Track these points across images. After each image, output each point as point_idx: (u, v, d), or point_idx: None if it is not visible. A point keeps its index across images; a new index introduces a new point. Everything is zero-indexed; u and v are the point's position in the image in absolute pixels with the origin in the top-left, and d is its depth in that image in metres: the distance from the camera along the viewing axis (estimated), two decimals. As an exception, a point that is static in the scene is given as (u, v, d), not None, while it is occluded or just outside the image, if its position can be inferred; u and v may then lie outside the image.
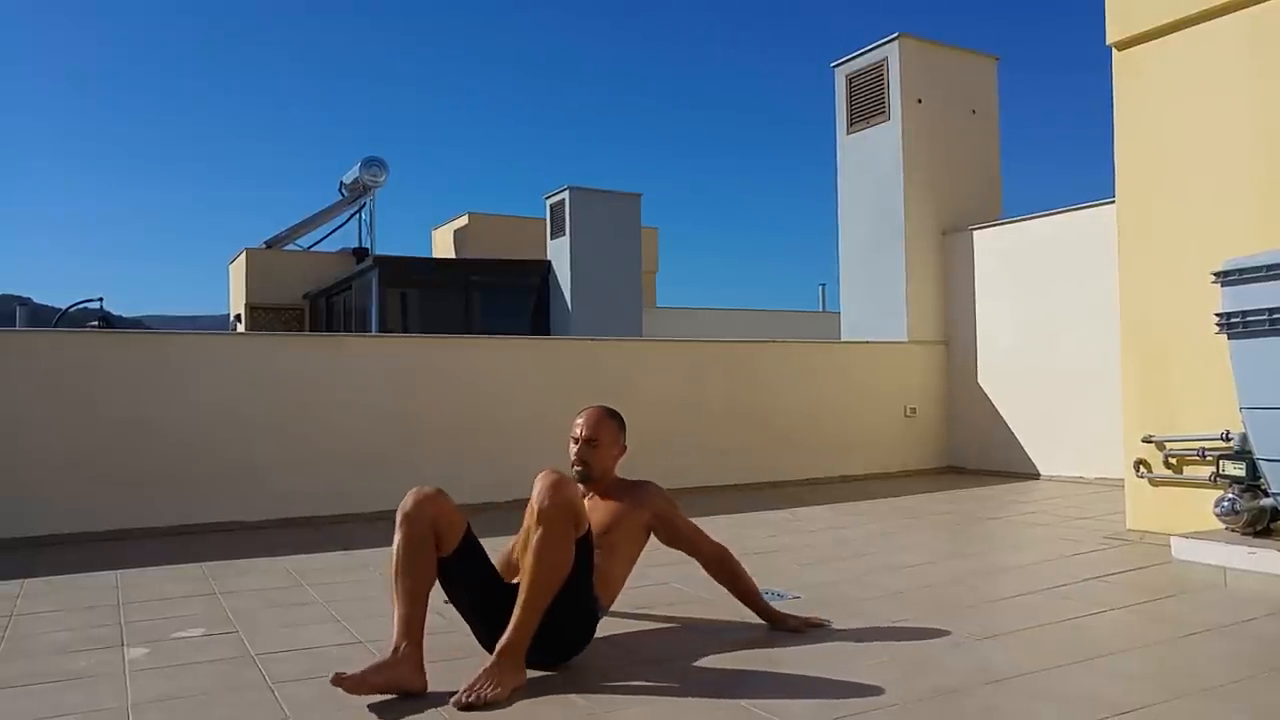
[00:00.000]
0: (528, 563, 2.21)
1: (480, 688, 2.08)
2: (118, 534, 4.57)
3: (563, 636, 2.33)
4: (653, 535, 2.67)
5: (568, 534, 2.22)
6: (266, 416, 5.05)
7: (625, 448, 2.70)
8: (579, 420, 2.64)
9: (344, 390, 5.24)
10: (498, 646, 2.17)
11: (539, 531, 2.20)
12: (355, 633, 2.70)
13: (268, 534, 4.66)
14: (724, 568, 2.70)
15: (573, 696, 2.13)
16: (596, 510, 2.55)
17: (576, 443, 2.61)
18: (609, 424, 2.65)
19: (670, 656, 2.43)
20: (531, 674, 2.26)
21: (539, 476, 2.28)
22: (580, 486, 2.53)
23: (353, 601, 3.14)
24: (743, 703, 2.05)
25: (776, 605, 2.77)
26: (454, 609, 2.44)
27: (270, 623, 2.86)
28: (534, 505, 2.24)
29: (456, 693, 2.08)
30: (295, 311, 15.78)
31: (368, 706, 2.07)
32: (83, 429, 4.63)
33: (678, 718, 2.00)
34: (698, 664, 2.38)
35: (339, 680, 2.04)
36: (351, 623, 2.82)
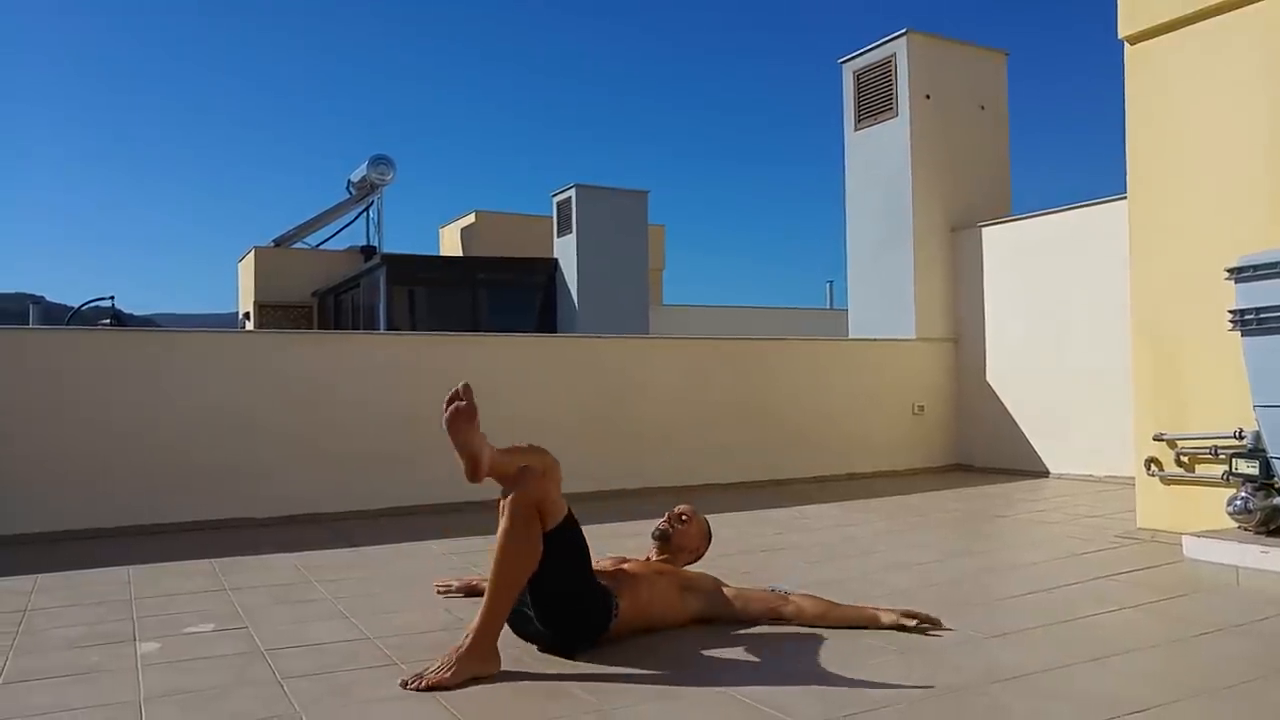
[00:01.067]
0: (494, 554, 2.26)
1: (431, 672, 2.15)
2: (128, 530, 4.59)
3: (585, 614, 2.39)
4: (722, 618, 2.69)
5: (529, 523, 2.25)
6: (274, 414, 5.06)
7: (701, 555, 2.87)
8: (682, 504, 2.91)
9: (351, 388, 5.25)
10: (465, 634, 2.23)
11: (501, 522, 2.26)
12: (362, 628, 2.71)
13: (275, 531, 4.67)
14: (822, 607, 2.65)
15: (576, 690, 2.13)
16: (657, 567, 2.72)
17: (669, 514, 2.85)
18: (702, 522, 2.89)
19: (675, 651, 2.42)
20: (536, 666, 2.27)
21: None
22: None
23: (359, 598, 3.15)
24: (748, 699, 2.05)
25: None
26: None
27: (278, 618, 2.87)
28: (500, 501, 2.31)
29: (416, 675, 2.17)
30: (304, 309, 15.83)
31: (373, 700, 2.08)
32: (92, 426, 4.65)
33: (682, 713, 2.00)
34: (702, 659, 2.38)
35: None
36: (358, 618, 2.83)
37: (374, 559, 3.90)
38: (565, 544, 2.34)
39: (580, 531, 2.41)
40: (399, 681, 2.16)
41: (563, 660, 2.34)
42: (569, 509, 2.37)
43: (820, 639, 2.52)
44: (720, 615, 2.65)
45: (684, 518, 2.85)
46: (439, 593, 3.09)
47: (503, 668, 2.24)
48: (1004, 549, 4.17)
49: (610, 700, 2.06)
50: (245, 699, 2.12)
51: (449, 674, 2.14)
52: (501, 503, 2.29)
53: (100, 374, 4.71)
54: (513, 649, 2.41)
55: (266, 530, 4.69)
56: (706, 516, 2.92)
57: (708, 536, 2.90)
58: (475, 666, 2.18)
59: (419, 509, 5.22)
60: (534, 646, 2.43)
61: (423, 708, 2.04)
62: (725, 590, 2.68)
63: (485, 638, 2.22)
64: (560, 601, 2.34)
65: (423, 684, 2.12)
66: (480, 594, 2.68)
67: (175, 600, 3.14)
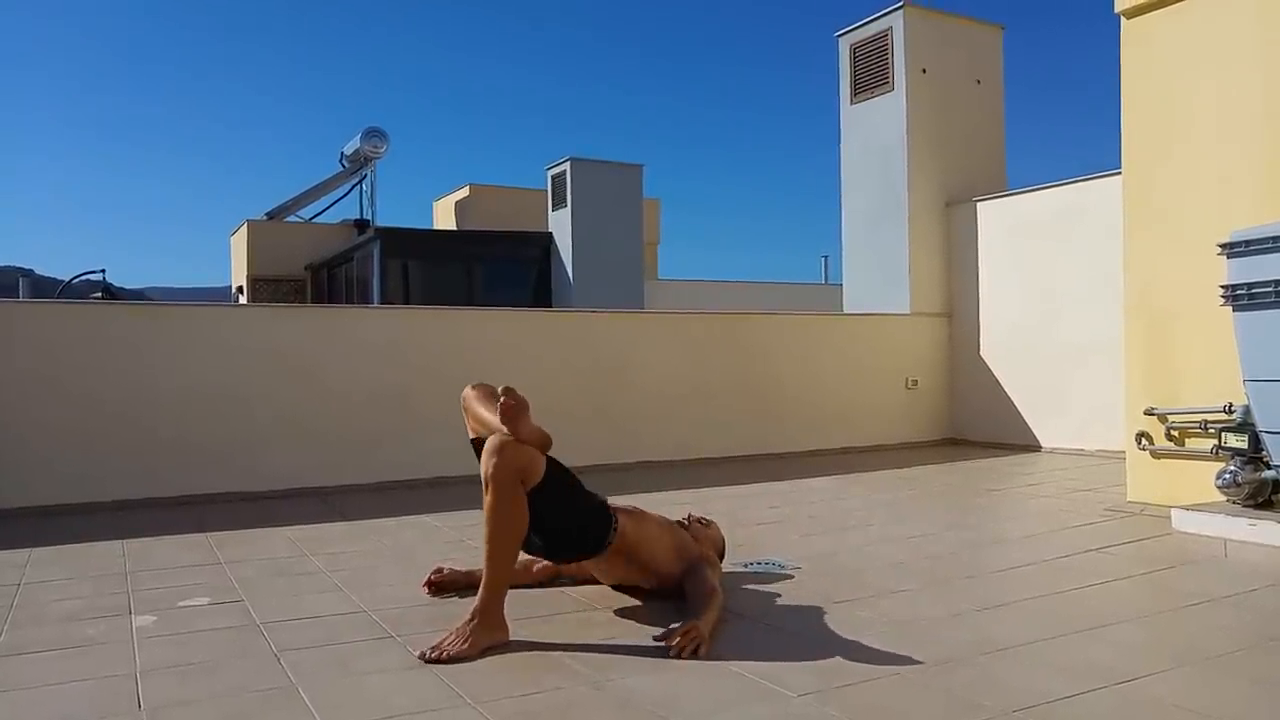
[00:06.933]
0: (485, 527, 2.29)
1: (449, 644, 2.18)
2: (123, 504, 4.59)
3: (584, 533, 2.49)
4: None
5: (514, 491, 2.28)
6: (267, 387, 5.05)
7: (698, 550, 2.73)
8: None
9: (344, 361, 5.25)
10: (472, 608, 2.27)
11: (488, 496, 2.28)
12: (358, 601, 2.72)
13: (270, 504, 4.68)
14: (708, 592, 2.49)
15: (572, 663, 2.14)
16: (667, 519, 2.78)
17: (692, 515, 2.95)
18: (720, 534, 2.97)
19: (667, 623, 2.42)
20: (531, 638, 2.28)
21: (486, 444, 2.32)
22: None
23: (355, 570, 3.16)
24: (741, 671, 2.07)
25: (775, 575, 2.93)
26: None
27: (274, 591, 2.88)
28: (482, 472, 2.30)
29: (425, 650, 2.18)
30: (297, 283, 15.77)
31: (370, 672, 2.10)
32: (86, 400, 4.64)
33: (676, 684, 2.01)
34: (699, 633, 2.39)
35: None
36: (354, 591, 2.84)
37: (369, 532, 3.91)
38: (553, 488, 2.38)
39: (564, 468, 2.46)
40: (418, 654, 2.17)
41: (557, 632, 2.36)
42: (546, 457, 2.37)
43: (813, 613, 2.54)
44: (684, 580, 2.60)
45: (704, 521, 2.96)
46: (433, 583, 2.82)
47: (498, 640, 2.26)
48: (995, 522, 4.20)
49: (605, 672, 2.08)
50: (242, 672, 2.13)
51: (466, 645, 2.18)
52: (485, 471, 2.28)
53: (92, 347, 4.69)
54: (509, 622, 2.42)
55: (262, 503, 4.70)
56: (705, 492, 2.94)
57: (721, 546, 2.96)
58: (488, 637, 2.23)
59: (413, 483, 5.24)
60: (527, 619, 2.45)
61: (420, 679, 2.05)
62: (697, 561, 2.63)
63: (492, 608, 2.27)
64: (564, 531, 2.47)
65: (442, 654, 2.15)
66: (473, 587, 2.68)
67: (170, 574, 3.15)
